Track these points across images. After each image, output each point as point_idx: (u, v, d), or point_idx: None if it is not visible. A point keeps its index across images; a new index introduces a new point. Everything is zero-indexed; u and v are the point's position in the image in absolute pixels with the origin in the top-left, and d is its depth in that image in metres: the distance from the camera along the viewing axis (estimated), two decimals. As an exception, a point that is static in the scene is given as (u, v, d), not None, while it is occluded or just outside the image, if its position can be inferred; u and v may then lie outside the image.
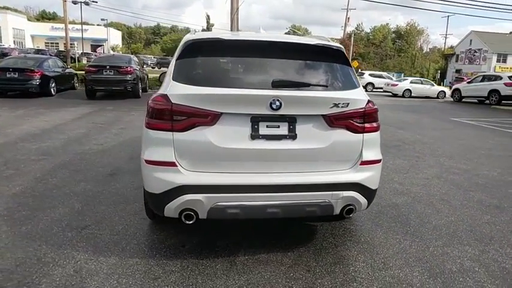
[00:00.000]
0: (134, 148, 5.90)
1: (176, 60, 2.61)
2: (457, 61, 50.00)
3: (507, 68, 42.79)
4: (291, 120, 2.48)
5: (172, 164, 2.43)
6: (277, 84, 2.46)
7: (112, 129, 7.59)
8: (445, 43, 58.72)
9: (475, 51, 46.43)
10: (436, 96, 23.07)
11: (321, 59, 2.70)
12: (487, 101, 17.47)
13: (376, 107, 2.67)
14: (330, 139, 2.53)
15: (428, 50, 78.74)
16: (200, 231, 3.07)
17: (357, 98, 2.57)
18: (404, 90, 22.70)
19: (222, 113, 2.39)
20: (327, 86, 2.59)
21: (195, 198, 2.39)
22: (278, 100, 2.38)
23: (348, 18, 54.87)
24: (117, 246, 2.82)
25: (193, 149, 2.42)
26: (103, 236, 2.99)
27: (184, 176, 2.42)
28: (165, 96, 2.43)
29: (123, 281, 2.39)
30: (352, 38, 52.45)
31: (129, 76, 13.13)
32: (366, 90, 24.58)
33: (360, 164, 2.62)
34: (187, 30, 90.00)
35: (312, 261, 2.70)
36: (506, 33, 47.29)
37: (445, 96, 23.11)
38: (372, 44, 74.39)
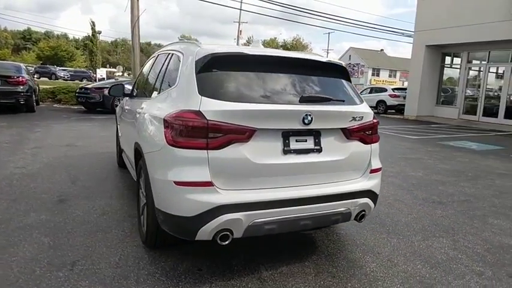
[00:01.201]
0: (68, 170, 5.30)
1: (197, 74, 2.49)
2: (338, 74, 56.22)
3: (380, 80, 49.89)
4: (317, 134, 2.60)
5: (209, 184, 2.31)
6: (305, 100, 2.56)
7: (24, 149, 6.64)
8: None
9: (354, 66, 53.00)
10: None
11: (333, 76, 2.89)
12: (375, 110, 20.16)
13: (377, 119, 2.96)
14: (348, 151, 2.72)
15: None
16: (205, 252, 2.94)
17: (367, 111, 2.82)
18: None
19: (257, 129, 2.37)
20: (343, 101, 2.78)
21: (234, 217, 2.31)
22: (309, 115, 2.47)
23: (241, 31, 57.15)
24: (129, 280, 2.52)
25: (229, 166, 2.34)
26: (103, 270, 2.63)
27: (222, 196, 2.32)
28: (198, 113, 2.30)
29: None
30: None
31: (22, 87, 11.54)
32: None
33: (370, 172, 2.87)
34: (65, 36, 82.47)
35: (331, 267, 2.83)
36: (378, 51, 55.19)
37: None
38: (264, 57, 78.56)
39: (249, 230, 2.39)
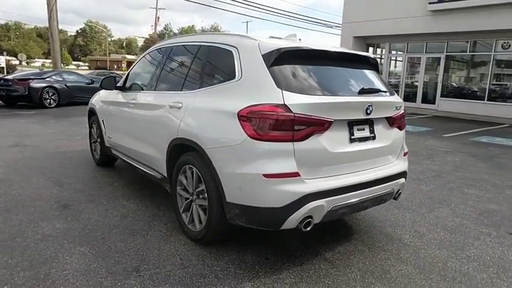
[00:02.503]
0: (43, 173, 4.86)
1: (268, 68, 2.52)
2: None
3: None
4: (371, 123, 2.83)
5: (296, 175, 2.39)
6: (364, 92, 2.77)
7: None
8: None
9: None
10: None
11: (372, 68, 3.14)
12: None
13: None
14: (391, 137, 3.01)
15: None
16: (258, 243, 3.02)
17: (401, 101, 3.13)
18: None
19: (334, 120, 2.51)
20: (386, 92, 3.04)
21: (318, 204, 2.44)
22: (371, 105, 2.69)
23: (158, 17, 54.94)
24: (207, 278, 2.50)
25: (311, 156, 2.46)
26: (174, 271, 2.55)
27: (308, 185, 2.43)
28: (284, 106, 2.35)
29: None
30: (166, 38, 52.75)
31: None
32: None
33: (403, 155, 3.21)
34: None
35: (377, 242, 3.12)
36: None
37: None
38: (182, 45, 76.38)
39: (327, 215, 2.54)
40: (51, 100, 12.48)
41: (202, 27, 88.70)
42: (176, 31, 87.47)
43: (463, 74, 15.95)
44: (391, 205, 4.04)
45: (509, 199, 4.45)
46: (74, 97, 13.17)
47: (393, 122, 3.01)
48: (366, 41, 17.46)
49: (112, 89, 4.42)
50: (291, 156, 2.38)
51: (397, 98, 3.09)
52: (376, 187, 2.80)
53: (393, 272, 2.67)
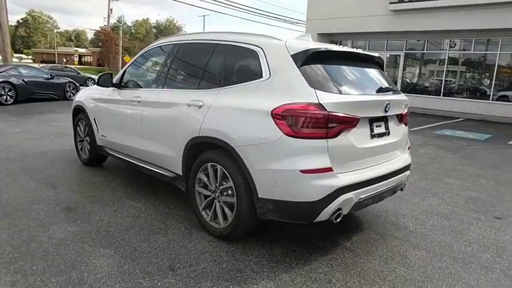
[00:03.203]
0: (30, 175, 4.67)
1: (299, 67, 2.62)
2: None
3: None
4: (386, 120, 3.03)
5: (330, 170, 2.53)
6: (382, 90, 2.96)
7: None
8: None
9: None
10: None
11: (381, 68, 3.34)
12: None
13: None
14: (400, 132, 3.23)
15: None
16: (280, 237, 3.13)
17: (407, 99, 3.36)
18: None
19: (360, 118, 2.67)
20: (396, 90, 3.25)
21: (348, 197, 2.60)
22: (389, 104, 2.88)
23: (111, 9, 52.63)
24: (244, 272, 2.57)
25: (341, 152, 2.60)
26: (209, 268, 2.60)
27: (339, 179, 2.57)
28: (319, 105, 2.47)
29: None
30: (121, 32, 50.91)
31: None
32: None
33: (408, 149, 3.45)
34: None
35: (386, 231, 3.35)
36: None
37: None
38: (136, 38, 73.95)
39: (354, 207, 2.70)
40: (8, 96, 11.64)
41: (157, 21, 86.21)
42: (130, 24, 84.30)
43: (420, 71, 17.01)
44: (386, 196, 4.31)
45: (485, 187, 4.91)
46: (33, 93, 12.39)
47: (402, 118, 3.23)
48: (330, 38, 18.00)
49: (109, 86, 4.28)
50: (325, 152, 2.51)
51: (404, 96, 3.32)
52: (392, 179, 3.01)
53: (410, 257, 2.90)
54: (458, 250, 3.05)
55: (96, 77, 6.21)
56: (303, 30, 19.02)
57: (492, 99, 14.24)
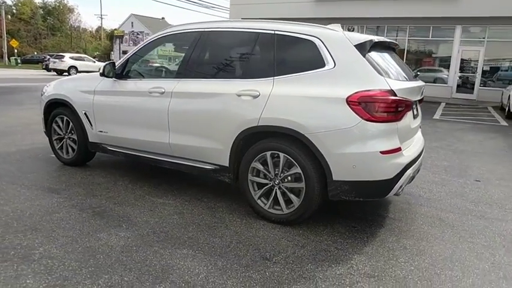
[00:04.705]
0: (16, 181, 4.09)
1: (364, 56, 2.82)
2: (122, 42, 53.41)
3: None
4: (416, 103, 3.42)
5: (400, 149, 2.83)
6: (416, 76, 3.33)
7: None
8: (101, 24, 60.56)
9: (138, 34, 51.33)
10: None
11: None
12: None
13: None
14: (420, 115, 3.67)
15: (81, 30, 77.35)
16: (309, 227, 3.37)
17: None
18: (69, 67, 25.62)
19: (413, 101, 3.01)
20: (416, 77, 3.66)
21: (409, 172, 2.95)
22: (423, 88, 3.28)
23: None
24: (305, 261, 2.74)
25: (403, 133, 2.92)
26: (279, 260, 2.70)
27: (405, 157, 2.89)
28: (391, 91, 2.72)
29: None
30: (3, 12, 44.10)
31: None
32: (69, 74, 23.26)
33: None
34: None
35: (421, 225, 3.81)
36: (159, 19, 55.10)
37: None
38: (20, 19, 64.62)
39: (405, 183, 3.04)
40: None
41: (44, 1, 76.16)
42: (10, 2, 72.98)
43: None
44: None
45: (449, 156, 5.79)
46: None
47: (419, 102, 3.67)
48: (255, 24, 18.33)
49: (112, 77, 3.90)
50: (395, 134, 2.79)
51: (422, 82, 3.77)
52: (421, 157, 3.44)
53: (444, 219, 3.40)
54: (465, 207, 3.67)
55: None
56: (219, 14, 19.02)
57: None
